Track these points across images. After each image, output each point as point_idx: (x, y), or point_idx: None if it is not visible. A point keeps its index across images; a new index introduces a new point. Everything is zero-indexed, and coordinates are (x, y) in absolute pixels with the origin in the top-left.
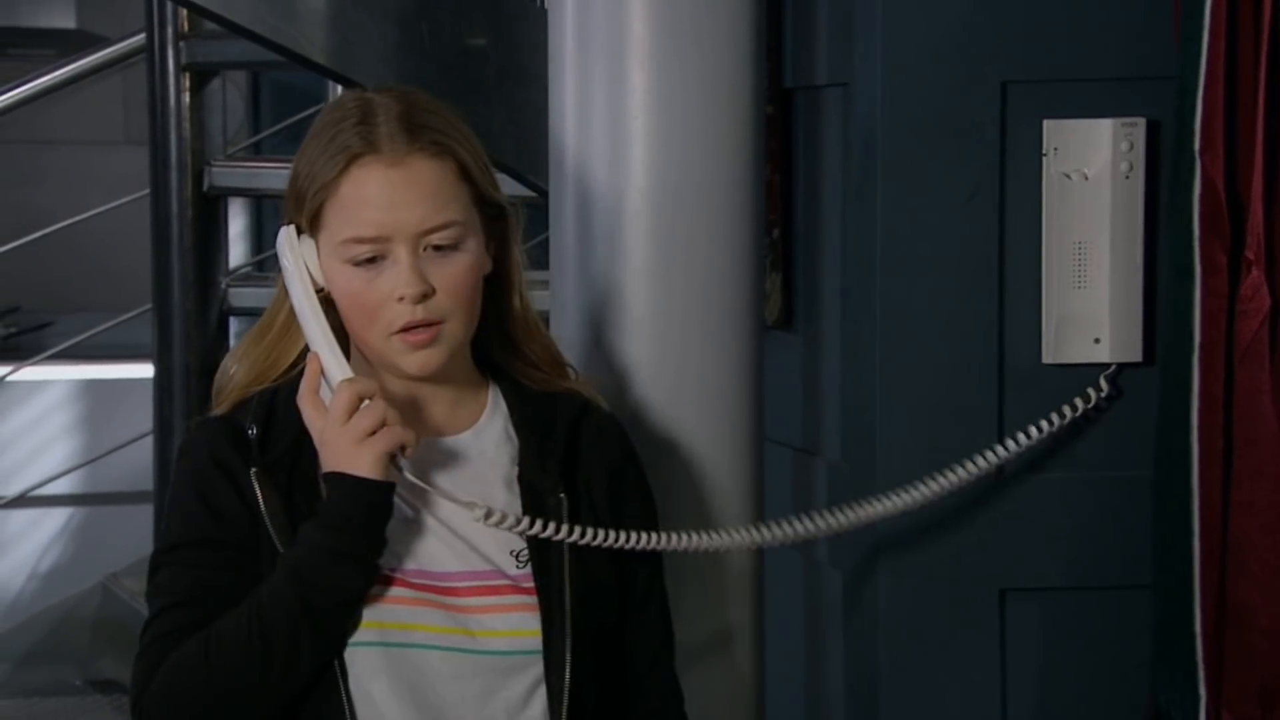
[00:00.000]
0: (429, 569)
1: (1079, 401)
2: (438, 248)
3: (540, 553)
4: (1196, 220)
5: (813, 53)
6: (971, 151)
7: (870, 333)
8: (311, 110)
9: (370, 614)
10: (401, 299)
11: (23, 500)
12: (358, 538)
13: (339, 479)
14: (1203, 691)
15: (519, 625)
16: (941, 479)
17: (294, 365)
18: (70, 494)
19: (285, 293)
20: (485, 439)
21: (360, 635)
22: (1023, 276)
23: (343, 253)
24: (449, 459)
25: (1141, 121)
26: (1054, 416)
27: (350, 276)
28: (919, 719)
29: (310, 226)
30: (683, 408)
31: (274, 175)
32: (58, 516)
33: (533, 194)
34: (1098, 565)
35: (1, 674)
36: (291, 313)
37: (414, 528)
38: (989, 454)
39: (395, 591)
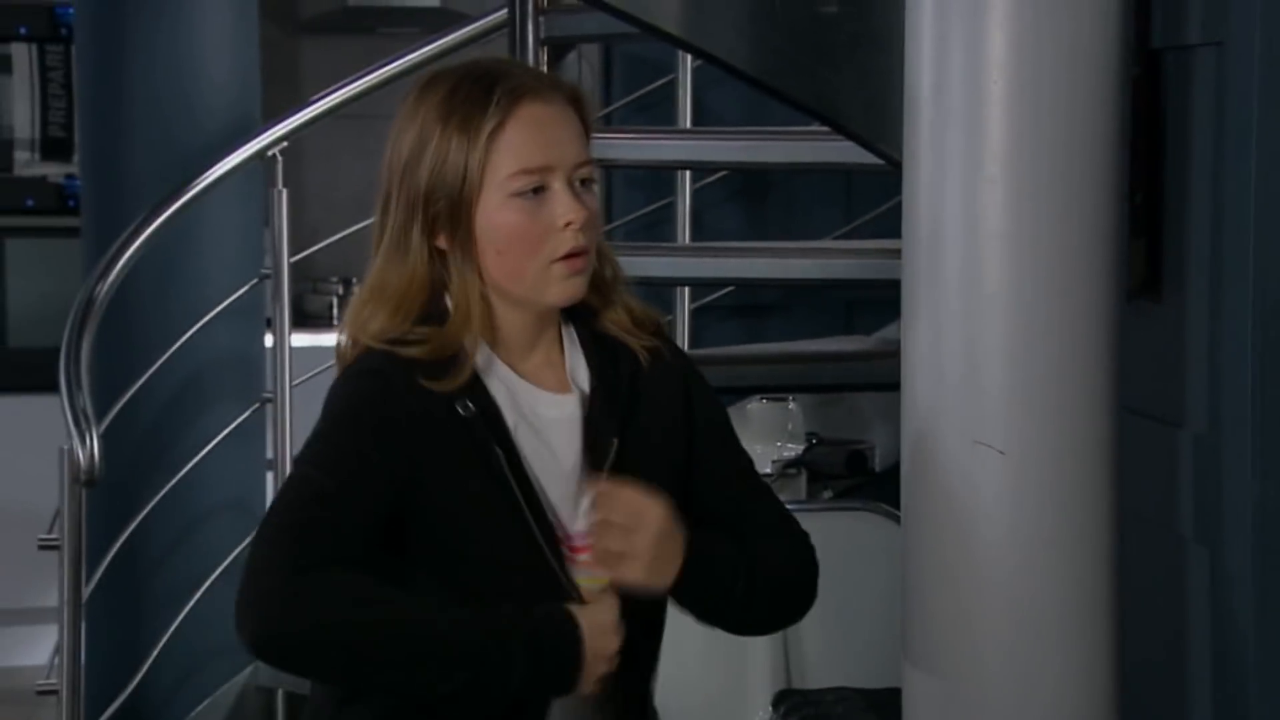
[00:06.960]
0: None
1: None
2: (583, 182)
3: None
4: None
5: (1184, 10)
6: None
7: (1243, 300)
8: (663, 80)
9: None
10: (568, 225)
11: None
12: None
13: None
14: None
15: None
16: None
17: None
18: None
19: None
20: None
21: None
22: None
23: (508, 187)
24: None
25: None
26: None
27: (516, 209)
28: None
29: (478, 185)
30: (1039, 378)
31: (626, 146)
32: None
33: (881, 162)
34: None
35: None
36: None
37: None
38: None
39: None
